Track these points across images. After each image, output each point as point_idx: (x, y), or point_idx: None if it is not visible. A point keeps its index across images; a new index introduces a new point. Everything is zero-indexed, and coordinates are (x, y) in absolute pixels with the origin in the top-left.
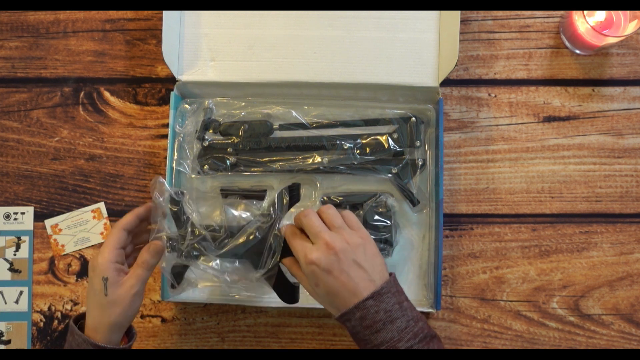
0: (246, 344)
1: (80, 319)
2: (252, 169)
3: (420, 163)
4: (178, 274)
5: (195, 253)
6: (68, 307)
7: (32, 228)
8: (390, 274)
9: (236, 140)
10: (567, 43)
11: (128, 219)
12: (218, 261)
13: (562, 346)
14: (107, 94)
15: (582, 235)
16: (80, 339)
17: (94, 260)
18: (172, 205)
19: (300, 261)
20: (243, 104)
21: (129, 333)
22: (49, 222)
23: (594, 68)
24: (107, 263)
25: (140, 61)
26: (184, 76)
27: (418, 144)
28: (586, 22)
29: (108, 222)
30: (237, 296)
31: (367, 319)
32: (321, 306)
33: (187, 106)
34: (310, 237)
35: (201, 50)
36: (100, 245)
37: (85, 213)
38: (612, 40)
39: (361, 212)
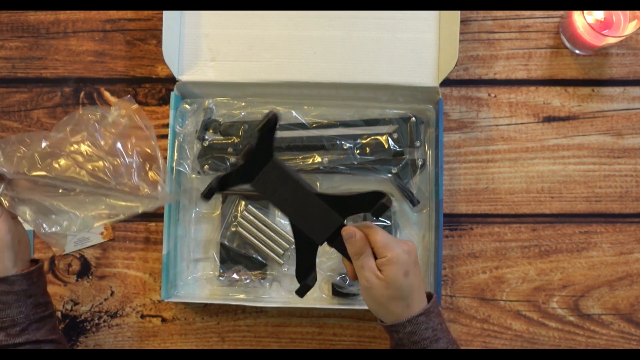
0: (246, 344)
1: None
2: None
3: (420, 163)
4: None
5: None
6: (68, 306)
7: (32, 228)
8: (432, 294)
9: (236, 140)
10: (567, 43)
11: None
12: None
13: (562, 346)
14: (107, 94)
15: (582, 235)
16: None
17: None
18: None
19: (393, 251)
20: (243, 104)
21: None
22: None
23: (593, 68)
24: None
25: (140, 61)
26: (184, 76)
27: (418, 144)
28: (586, 22)
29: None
30: (237, 296)
31: (416, 334)
32: (321, 306)
33: (187, 106)
34: (385, 242)
35: (201, 50)
36: (100, 245)
37: None
38: (611, 40)
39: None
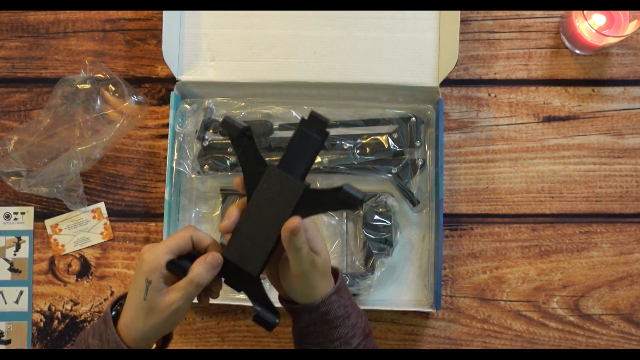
0: (246, 344)
1: (117, 302)
2: None
3: (420, 163)
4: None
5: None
6: (68, 307)
7: (32, 228)
8: (337, 270)
9: None
10: (567, 43)
11: (201, 235)
12: None
13: (562, 346)
14: (107, 94)
15: (582, 235)
16: (112, 336)
17: (145, 253)
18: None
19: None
20: (243, 104)
21: (166, 336)
22: (49, 222)
23: (594, 68)
24: (157, 265)
25: (140, 61)
26: (184, 76)
27: (418, 144)
28: (586, 22)
29: (108, 222)
30: (237, 296)
31: (330, 313)
32: None
33: (187, 106)
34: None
35: (201, 50)
36: (100, 245)
37: (85, 213)
38: (612, 40)
39: (361, 212)
